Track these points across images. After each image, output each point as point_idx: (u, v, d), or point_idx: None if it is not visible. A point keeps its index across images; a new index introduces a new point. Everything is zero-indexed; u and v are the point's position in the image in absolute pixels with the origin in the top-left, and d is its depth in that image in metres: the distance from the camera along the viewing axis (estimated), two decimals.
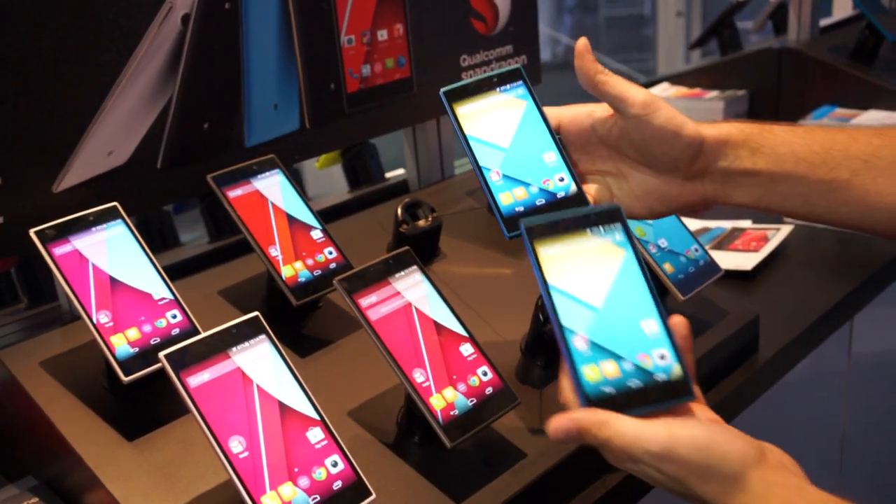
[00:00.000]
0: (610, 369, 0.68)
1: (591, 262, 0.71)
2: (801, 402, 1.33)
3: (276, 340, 0.77)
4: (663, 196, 0.82)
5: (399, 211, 1.07)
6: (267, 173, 0.98)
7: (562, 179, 0.82)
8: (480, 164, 0.81)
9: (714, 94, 2.00)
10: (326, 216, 1.21)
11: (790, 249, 1.39)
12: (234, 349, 0.75)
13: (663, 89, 2.09)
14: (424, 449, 0.84)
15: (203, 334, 0.74)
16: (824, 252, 1.41)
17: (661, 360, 0.69)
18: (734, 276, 1.30)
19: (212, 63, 0.99)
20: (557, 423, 0.66)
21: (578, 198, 0.81)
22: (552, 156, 0.82)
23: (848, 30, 2.05)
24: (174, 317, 0.86)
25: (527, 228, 0.70)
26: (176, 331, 0.85)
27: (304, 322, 0.98)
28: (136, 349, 0.82)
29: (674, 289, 1.01)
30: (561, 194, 0.81)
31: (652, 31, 5.62)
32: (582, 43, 0.78)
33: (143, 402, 0.85)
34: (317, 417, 0.75)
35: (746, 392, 1.10)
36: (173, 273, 1.05)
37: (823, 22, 2.19)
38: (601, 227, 0.72)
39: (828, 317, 1.23)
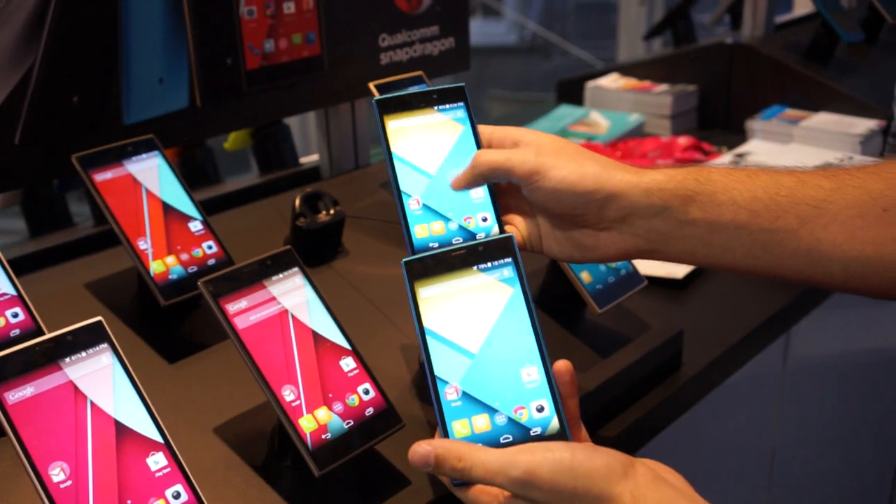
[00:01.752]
0: (481, 424, 0.65)
1: (473, 303, 0.67)
2: (731, 416, 1.27)
3: (119, 351, 0.67)
4: (579, 246, 0.74)
5: (297, 202, 0.97)
6: (143, 155, 0.88)
7: (485, 219, 0.75)
8: (401, 188, 0.74)
9: (664, 87, 1.92)
10: (230, 201, 1.12)
11: None
12: (67, 360, 0.65)
13: (613, 80, 2.01)
14: (296, 474, 0.75)
15: (27, 343, 0.64)
16: None
17: (540, 412, 0.66)
18: (664, 284, 1.22)
19: (82, 26, 0.88)
20: (416, 448, 0.64)
21: (511, 234, 0.73)
22: (479, 191, 0.75)
23: (805, 27, 1.98)
24: (15, 315, 0.75)
25: (406, 265, 0.67)
26: (16, 332, 0.75)
27: (178, 323, 0.88)
28: None
29: (591, 300, 0.93)
30: (481, 235, 0.74)
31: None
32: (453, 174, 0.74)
33: None
34: (160, 441, 0.66)
35: (667, 410, 1.03)
36: (46, 258, 0.95)
37: (781, 18, 2.13)
38: (490, 262, 0.68)
39: (759, 332, 1.16)
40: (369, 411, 0.75)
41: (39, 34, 0.85)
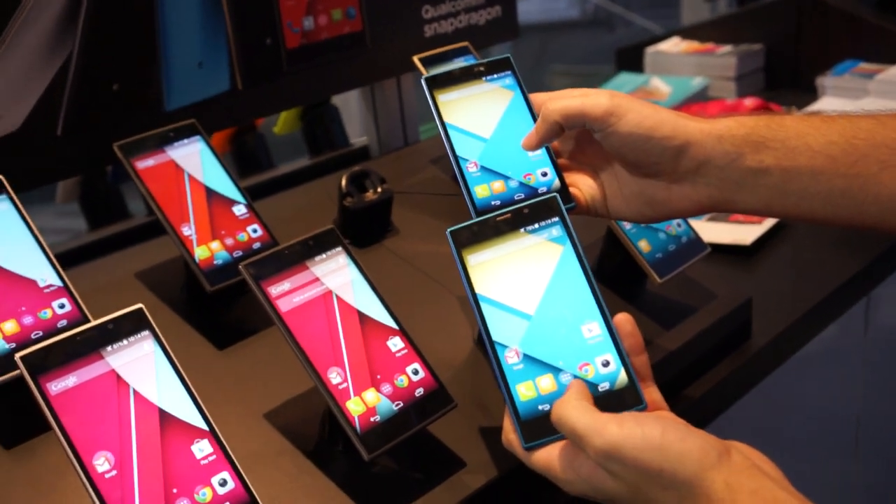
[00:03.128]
0: (546, 384, 0.64)
1: (524, 265, 0.67)
2: (809, 386, 1.21)
3: (161, 337, 0.66)
4: (651, 201, 0.72)
5: (343, 182, 0.95)
6: (185, 140, 0.87)
7: (545, 174, 0.75)
8: (458, 153, 0.75)
9: (727, 48, 1.84)
10: (281, 184, 1.11)
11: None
12: (108, 348, 0.64)
13: (674, 44, 1.94)
14: (348, 458, 0.73)
15: (68, 333, 0.63)
16: None
17: (606, 367, 0.64)
18: (732, 251, 1.16)
19: (119, 11, 0.87)
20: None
21: (562, 193, 0.73)
22: (537, 151, 0.75)
23: None
24: (61, 307, 0.75)
25: (452, 234, 0.66)
26: (63, 322, 0.74)
27: (227, 309, 0.87)
28: (14, 344, 0.71)
29: (650, 270, 0.89)
30: (542, 189, 0.75)
31: None
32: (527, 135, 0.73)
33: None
34: (205, 428, 0.65)
35: (737, 383, 0.98)
36: (99, 249, 0.95)
37: None
38: (536, 224, 0.68)
39: (833, 298, 1.10)
40: (419, 392, 0.72)
41: (74, 24, 0.84)
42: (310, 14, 1.00)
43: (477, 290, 0.66)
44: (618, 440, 0.56)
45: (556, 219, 0.68)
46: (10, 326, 0.72)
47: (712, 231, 1.00)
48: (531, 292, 0.66)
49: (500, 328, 0.65)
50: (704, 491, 0.54)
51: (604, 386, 0.63)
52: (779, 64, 1.83)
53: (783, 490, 0.55)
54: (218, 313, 0.86)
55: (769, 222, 1.21)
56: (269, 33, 0.97)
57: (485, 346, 0.85)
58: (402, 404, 0.71)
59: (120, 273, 0.89)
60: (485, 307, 0.66)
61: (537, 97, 0.77)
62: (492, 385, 0.83)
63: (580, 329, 0.65)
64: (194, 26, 0.92)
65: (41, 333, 0.73)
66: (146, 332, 0.66)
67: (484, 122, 0.77)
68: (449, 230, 0.67)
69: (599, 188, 0.75)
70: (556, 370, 0.64)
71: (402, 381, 0.72)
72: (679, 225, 0.94)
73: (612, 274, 0.95)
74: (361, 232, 0.97)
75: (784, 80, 1.83)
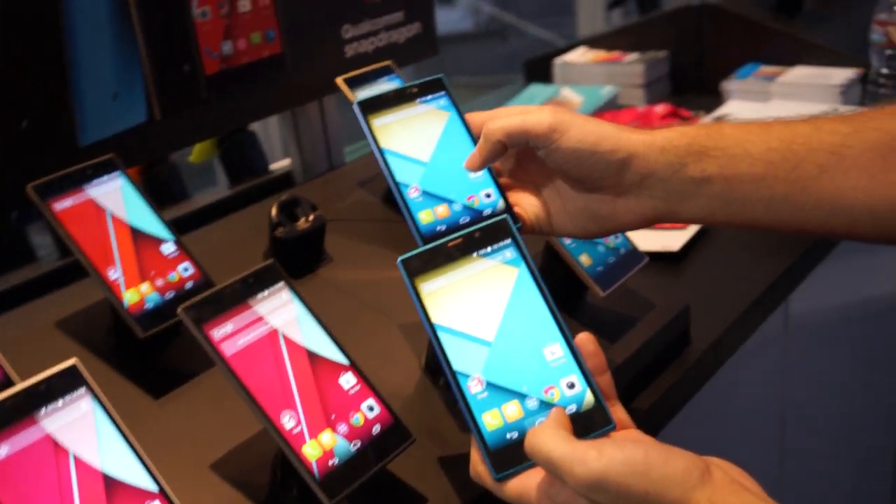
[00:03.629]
0: (512, 412, 0.61)
1: (480, 290, 0.65)
2: (739, 386, 1.23)
3: (100, 395, 0.62)
4: (595, 216, 0.72)
5: (273, 211, 0.92)
6: (104, 177, 0.82)
7: (488, 195, 0.74)
8: (398, 179, 0.73)
9: (634, 56, 1.87)
10: (202, 218, 1.06)
11: None
12: (42, 412, 0.59)
13: (581, 54, 1.96)
14: None
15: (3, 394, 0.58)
16: None
17: (571, 389, 0.63)
18: (660, 258, 1.17)
19: (26, 42, 0.81)
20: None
21: (506, 213, 0.72)
22: (479, 172, 0.74)
23: None
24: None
25: (403, 263, 0.64)
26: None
27: (160, 355, 0.82)
28: None
29: (593, 284, 0.88)
30: (487, 211, 0.73)
31: None
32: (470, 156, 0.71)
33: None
34: (154, 490, 0.60)
35: (682, 390, 0.98)
36: (11, 299, 0.89)
37: None
38: (489, 247, 0.66)
39: (763, 298, 1.12)
40: (376, 429, 0.70)
41: None
42: (228, 38, 0.96)
43: (433, 320, 0.64)
44: (601, 468, 0.54)
45: (509, 241, 0.67)
46: None
47: (640, 239, 1.01)
48: (489, 318, 0.65)
49: (460, 357, 0.63)
50: None
51: (571, 408, 0.62)
52: (683, 70, 1.88)
53: (764, 502, 0.55)
54: (150, 360, 0.81)
55: (693, 228, 1.23)
56: (186, 59, 0.93)
57: (433, 374, 0.84)
58: (360, 444, 0.68)
59: (39, 323, 0.83)
60: (443, 336, 0.63)
61: (474, 117, 0.76)
62: (445, 414, 0.81)
63: (542, 352, 0.64)
64: (107, 55, 0.87)
65: None
66: (82, 390, 0.61)
67: (421, 145, 0.75)
68: (400, 259, 0.65)
69: (543, 206, 0.74)
70: (521, 396, 0.62)
71: (357, 419, 0.69)
72: (616, 237, 0.94)
73: (554, 289, 0.93)
74: (294, 262, 0.94)
75: (689, 86, 1.87)
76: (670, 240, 1.19)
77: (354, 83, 0.99)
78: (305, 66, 1.05)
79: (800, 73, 1.66)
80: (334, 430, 0.68)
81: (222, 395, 0.79)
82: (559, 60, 1.94)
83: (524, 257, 0.67)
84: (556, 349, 0.64)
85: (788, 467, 1.40)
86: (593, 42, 2.01)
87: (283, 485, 0.70)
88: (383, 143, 0.74)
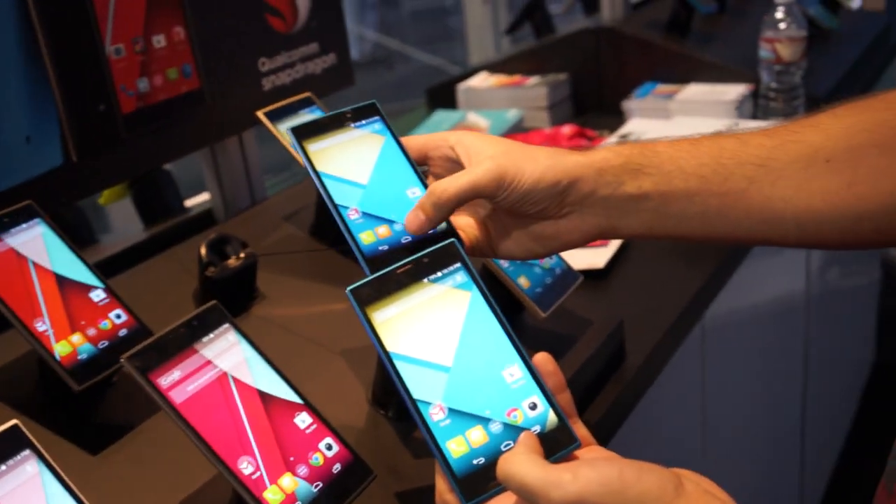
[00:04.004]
0: (477, 437, 0.60)
1: (434, 316, 0.64)
2: (665, 394, 1.26)
3: (46, 456, 0.58)
4: (539, 237, 0.72)
5: (202, 250, 0.89)
6: (23, 226, 0.77)
7: None
8: (337, 202, 0.71)
9: (536, 79, 1.91)
10: (121, 262, 1.01)
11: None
12: None
13: (483, 79, 1.98)
14: None
15: None
16: None
17: (533, 410, 0.62)
18: (587, 275, 1.19)
19: None
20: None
21: (449, 235, 0.71)
22: (416, 191, 0.74)
23: (660, 4, 2.01)
24: None
25: (353, 293, 0.62)
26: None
27: (94, 407, 0.78)
28: None
29: (533, 306, 0.89)
30: (429, 233, 0.72)
31: (457, 22, 5.64)
32: (411, 216, 0.70)
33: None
34: None
35: (623, 403, 1.00)
36: None
37: None
38: (439, 272, 0.65)
39: (690, 308, 1.15)
40: (336, 468, 0.68)
41: None
42: (144, 75, 0.93)
43: (389, 349, 0.62)
44: (577, 491, 0.54)
45: (459, 264, 0.66)
46: None
47: (566, 258, 1.02)
48: (445, 343, 0.63)
49: (419, 385, 0.61)
50: None
51: (535, 429, 0.61)
52: (584, 91, 1.92)
53: None
54: (84, 414, 0.77)
55: (615, 244, 1.25)
56: (101, 99, 0.89)
57: (381, 406, 0.82)
58: (321, 485, 0.66)
59: None
60: (399, 365, 0.61)
61: (410, 141, 0.75)
62: (398, 447, 0.79)
63: (501, 374, 0.63)
64: (18, 97, 0.82)
65: None
66: (27, 452, 0.58)
67: (359, 168, 0.74)
68: (349, 289, 0.63)
69: (483, 230, 0.74)
70: (484, 420, 0.61)
71: (317, 459, 0.67)
72: (551, 257, 0.95)
73: None
74: (227, 301, 0.90)
75: (590, 106, 1.92)
76: (595, 257, 1.22)
77: (275, 116, 0.98)
78: (224, 100, 1.02)
79: (695, 91, 1.72)
80: (294, 472, 0.65)
81: (164, 445, 0.76)
82: (463, 86, 1.96)
83: (475, 280, 0.66)
84: (515, 370, 0.63)
85: (711, 455, 1.44)
86: (493, 67, 2.04)
87: None
88: (320, 168, 0.72)
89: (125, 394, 0.80)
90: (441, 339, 0.63)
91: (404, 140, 0.76)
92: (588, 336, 0.97)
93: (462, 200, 0.69)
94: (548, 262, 0.94)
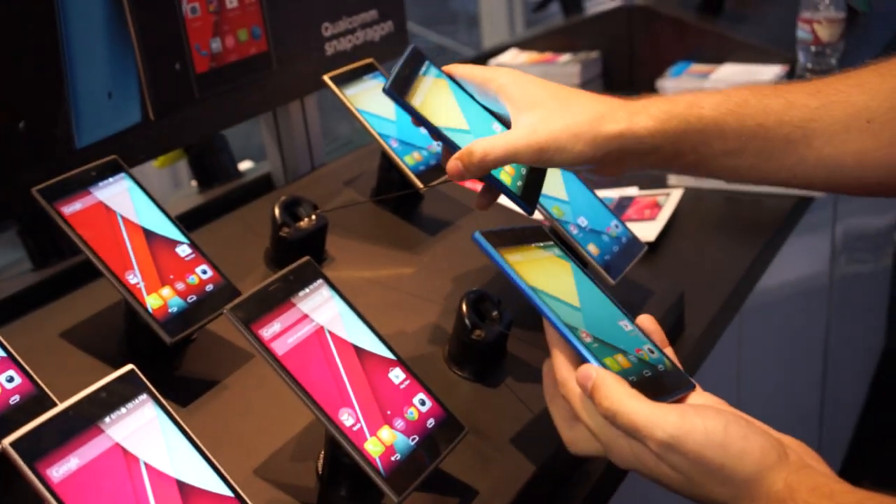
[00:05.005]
0: (622, 361, 0.63)
1: (552, 270, 0.68)
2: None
3: (161, 400, 0.59)
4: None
5: (276, 211, 0.89)
6: (110, 179, 0.78)
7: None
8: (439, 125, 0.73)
9: (567, 57, 1.91)
10: (186, 224, 1.01)
11: (683, 214, 1.32)
12: (107, 420, 0.56)
13: (513, 56, 1.99)
14: None
15: (59, 407, 0.54)
16: (716, 213, 1.35)
17: (652, 354, 0.65)
18: None
19: (18, 43, 0.76)
20: (584, 368, 0.60)
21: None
22: (496, 126, 0.77)
23: None
24: (10, 380, 0.64)
25: (484, 236, 0.65)
26: (15, 398, 0.64)
27: (177, 362, 0.79)
28: None
29: (603, 272, 0.90)
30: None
31: (459, 5, 5.63)
32: (453, 165, 0.72)
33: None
34: (229, 494, 0.58)
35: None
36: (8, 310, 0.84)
37: None
38: (542, 242, 0.70)
39: (743, 281, 1.16)
40: (430, 423, 0.69)
41: None
42: (217, 35, 0.93)
43: (530, 283, 0.64)
44: (680, 434, 0.56)
45: (551, 242, 0.71)
46: None
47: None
48: (569, 291, 0.66)
49: (563, 315, 0.63)
50: (764, 491, 0.55)
51: (660, 367, 0.64)
52: (615, 69, 1.93)
53: (837, 483, 0.55)
54: (170, 367, 0.78)
55: (663, 217, 1.26)
56: (177, 58, 0.89)
57: (458, 366, 0.83)
58: (417, 438, 0.67)
59: (42, 335, 0.78)
60: (543, 296, 0.63)
61: (464, 73, 0.78)
62: (477, 406, 0.80)
63: (618, 324, 0.66)
64: (101, 53, 0.82)
65: None
66: (144, 396, 0.58)
67: (451, 114, 0.76)
68: (481, 233, 0.65)
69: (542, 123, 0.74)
70: (622, 351, 0.63)
71: (412, 413, 0.68)
72: (616, 226, 0.96)
73: None
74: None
75: (621, 85, 1.92)
76: (643, 230, 1.22)
77: (341, 81, 0.98)
78: (289, 64, 1.02)
79: (730, 71, 1.73)
80: (391, 425, 0.66)
81: (251, 399, 0.77)
82: (493, 62, 1.96)
83: (569, 256, 0.70)
84: (626, 324, 0.67)
85: None
86: (522, 44, 2.05)
87: (331, 485, 0.69)
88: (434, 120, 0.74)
89: (206, 349, 0.80)
90: (565, 287, 0.66)
91: (459, 70, 0.78)
92: (650, 306, 0.98)
93: (501, 165, 0.72)
94: (614, 230, 0.95)
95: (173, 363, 0.78)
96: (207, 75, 0.92)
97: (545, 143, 0.70)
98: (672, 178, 1.41)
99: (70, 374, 0.74)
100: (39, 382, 0.65)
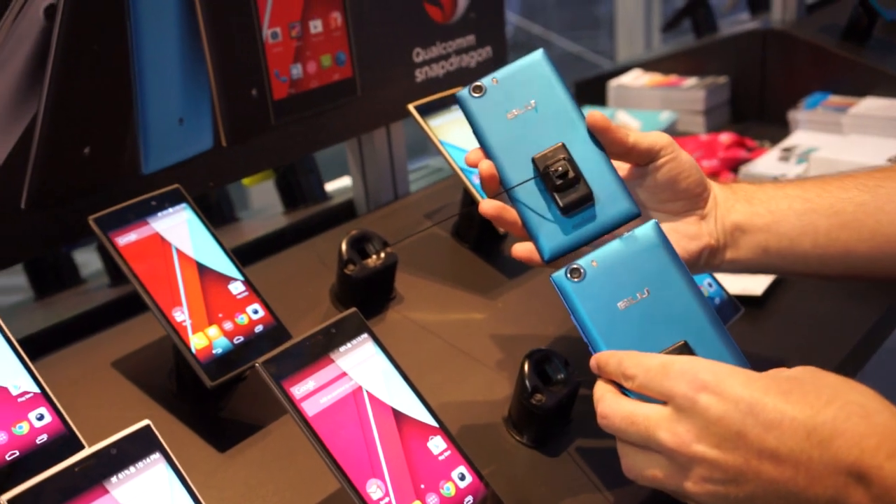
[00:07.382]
0: None
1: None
2: None
3: (174, 460, 0.56)
4: (682, 235, 0.72)
5: (343, 247, 0.85)
6: (169, 210, 0.76)
7: None
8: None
9: (693, 81, 1.80)
10: (259, 249, 0.99)
11: None
12: (113, 479, 0.53)
13: (636, 77, 1.89)
14: None
15: (65, 463, 0.52)
16: None
17: None
18: (741, 302, 1.10)
19: (90, 67, 0.76)
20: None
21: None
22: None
23: (835, 8, 1.86)
24: (40, 418, 0.63)
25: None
26: (42, 437, 0.62)
27: (224, 401, 0.76)
28: None
29: None
30: None
31: (605, 10, 5.50)
32: (599, 118, 0.68)
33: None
34: None
35: None
36: (60, 333, 0.84)
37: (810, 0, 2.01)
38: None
39: (854, 353, 1.04)
40: (468, 501, 0.63)
41: (39, 82, 0.72)
42: (298, 61, 0.90)
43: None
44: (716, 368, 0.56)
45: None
46: None
47: (722, 281, 0.95)
48: None
49: None
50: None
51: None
52: (744, 96, 1.80)
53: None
54: (214, 408, 0.75)
55: None
56: (254, 83, 0.87)
57: (516, 428, 0.77)
58: None
59: (92, 362, 0.77)
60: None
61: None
62: (531, 477, 0.74)
63: None
64: (174, 78, 0.81)
65: (17, 454, 0.61)
66: (157, 455, 0.56)
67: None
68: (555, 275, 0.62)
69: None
70: None
71: (448, 489, 0.63)
72: (710, 285, 0.87)
73: None
74: (363, 301, 0.87)
75: (750, 113, 1.80)
76: (751, 283, 1.12)
77: (426, 110, 0.94)
78: (375, 90, 0.99)
79: (872, 105, 1.58)
80: (424, 502, 0.61)
81: (293, 449, 0.73)
82: (614, 83, 1.87)
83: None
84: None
85: None
86: (647, 65, 1.95)
87: None
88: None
89: (254, 391, 0.77)
90: None
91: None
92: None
93: (648, 142, 0.70)
94: (707, 289, 0.87)
95: (219, 403, 0.76)
96: (286, 102, 0.90)
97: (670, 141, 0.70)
98: None
99: (112, 406, 0.73)
100: (70, 423, 0.63)
